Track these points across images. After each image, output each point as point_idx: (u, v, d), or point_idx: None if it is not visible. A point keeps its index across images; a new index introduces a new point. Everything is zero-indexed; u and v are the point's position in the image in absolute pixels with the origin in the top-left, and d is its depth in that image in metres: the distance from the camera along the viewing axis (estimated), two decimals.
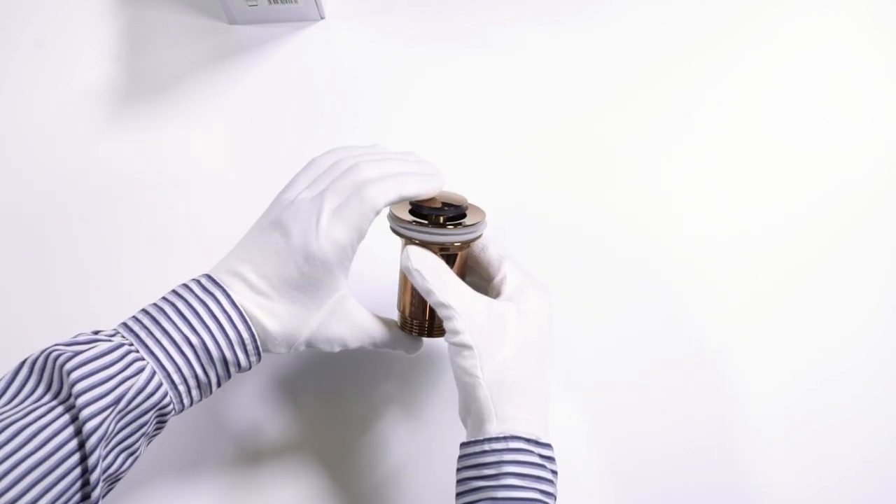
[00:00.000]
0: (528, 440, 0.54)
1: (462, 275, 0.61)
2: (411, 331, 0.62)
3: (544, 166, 0.73)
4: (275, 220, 0.57)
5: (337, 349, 0.59)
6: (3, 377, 0.52)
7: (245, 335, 0.55)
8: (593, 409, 0.69)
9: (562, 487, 0.59)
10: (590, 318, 0.70)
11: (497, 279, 0.60)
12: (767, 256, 0.72)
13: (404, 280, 0.62)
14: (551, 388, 0.59)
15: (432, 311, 0.61)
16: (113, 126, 0.74)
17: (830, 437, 0.69)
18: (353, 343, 0.59)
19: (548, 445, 0.55)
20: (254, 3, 0.72)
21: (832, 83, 0.74)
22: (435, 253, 0.59)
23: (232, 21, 0.75)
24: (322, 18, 0.76)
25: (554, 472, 0.55)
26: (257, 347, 0.56)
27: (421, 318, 0.62)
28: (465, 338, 0.55)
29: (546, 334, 0.58)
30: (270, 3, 0.72)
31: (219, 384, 0.56)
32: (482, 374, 0.55)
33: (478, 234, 0.60)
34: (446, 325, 0.56)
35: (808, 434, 0.69)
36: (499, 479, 0.53)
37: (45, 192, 0.73)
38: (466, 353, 0.55)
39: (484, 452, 0.54)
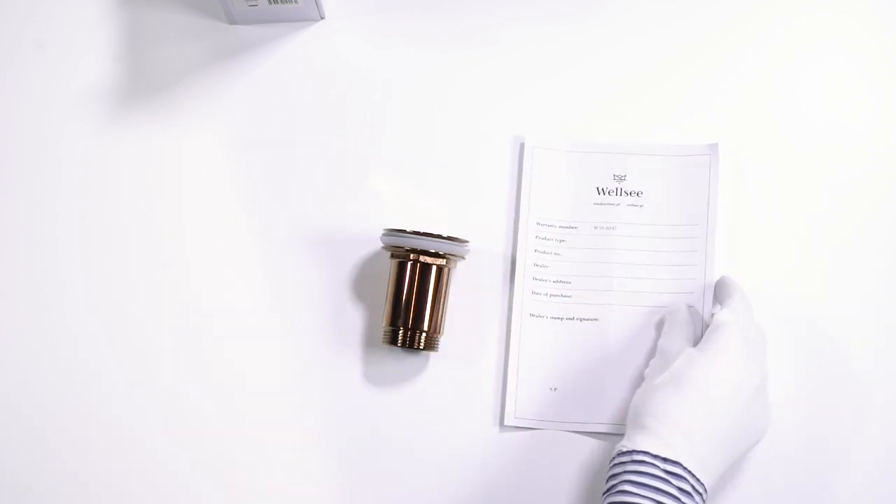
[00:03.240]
0: (653, 455, 0.57)
1: (439, 297, 0.67)
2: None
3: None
4: None
5: None
6: None
7: None
8: None
9: None
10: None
11: None
12: (767, 256, 0.72)
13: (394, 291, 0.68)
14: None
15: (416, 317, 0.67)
16: (113, 126, 0.74)
17: (825, 443, 0.69)
18: None
19: (677, 463, 0.57)
20: (254, 3, 0.73)
21: (832, 83, 0.74)
22: (416, 262, 0.66)
23: (232, 21, 0.75)
24: (322, 18, 0.76)
25: (683, 492, 0.56)
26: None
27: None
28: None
29: (721, 376, 0.61)
30: (270, 3, 0.73)
31: None
32: (633, 398, 0.64)
33: (453, 247, 0.67)
34: None
35: (805, 434, 0.69)
36: (616, 486, 0.58)
37: (44, 192, 0.74)
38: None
39: (613, 466, 0.60)
